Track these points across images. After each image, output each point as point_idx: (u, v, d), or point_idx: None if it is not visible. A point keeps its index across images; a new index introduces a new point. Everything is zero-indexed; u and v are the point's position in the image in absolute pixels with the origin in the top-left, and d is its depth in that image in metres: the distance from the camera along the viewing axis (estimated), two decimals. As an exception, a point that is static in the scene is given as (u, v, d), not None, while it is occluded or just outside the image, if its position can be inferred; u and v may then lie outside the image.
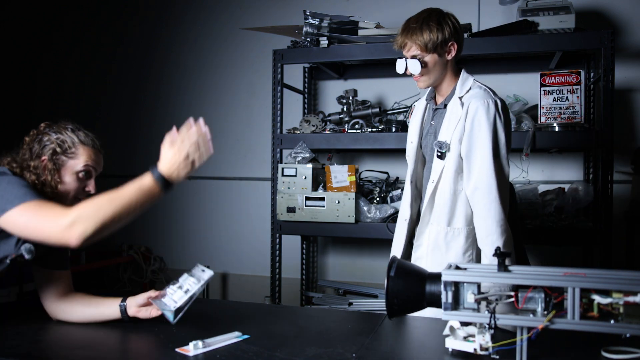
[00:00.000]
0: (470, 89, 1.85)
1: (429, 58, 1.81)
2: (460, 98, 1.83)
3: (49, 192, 1.47)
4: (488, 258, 1.73)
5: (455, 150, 1.80)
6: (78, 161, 1.51)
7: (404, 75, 1.89)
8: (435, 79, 1.87)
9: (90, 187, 1.54)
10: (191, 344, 1.37)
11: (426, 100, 1.99)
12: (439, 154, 1.82)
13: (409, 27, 1.82)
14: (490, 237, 1.74)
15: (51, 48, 4.42)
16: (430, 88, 1.97)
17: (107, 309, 1.59)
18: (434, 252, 1.84)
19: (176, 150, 1.41)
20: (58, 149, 1.49)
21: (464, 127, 1.80)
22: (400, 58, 1.87)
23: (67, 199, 1.51)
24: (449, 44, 1.82)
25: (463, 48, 1.94)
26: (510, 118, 2.06)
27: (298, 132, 3.16)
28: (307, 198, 2.98)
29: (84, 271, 3.71)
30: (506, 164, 1.83)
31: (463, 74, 1.89)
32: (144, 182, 1.39)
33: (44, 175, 1.47)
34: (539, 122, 2.89)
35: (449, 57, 1.85)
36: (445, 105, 1.87)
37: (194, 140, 1.43)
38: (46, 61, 4.43)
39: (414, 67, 1.82)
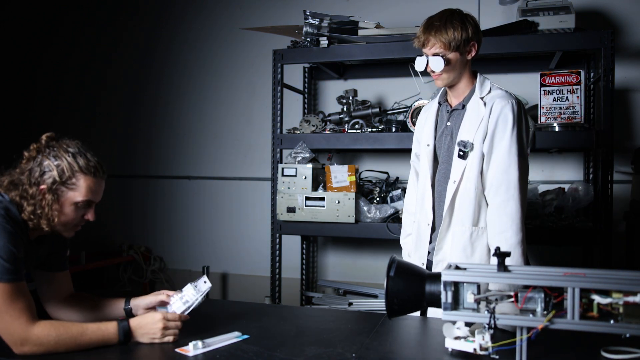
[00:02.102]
0: (490, 90, 1.87)
1: (451, 56, 1.81)
2: (482, 98, 1.84)
3: (45, 226, 1.43)
4: None
5: (478, 149, 1.81)
6: (77, 193, 1.44)
7: (425, 73, 1.90)
8: (454, 78, 1.87)
9: (90, 215, 1.49)
10: (191, 344, 1.38)
11: (439, 102, 1.98)
12: (462, 153, 1.82)
13: (433, 24, 1.82)
14: (504, 234, 1.74)
15: (51, 48, 4.42)
16: (442, 90, 1.98)
17: (110, 312, 1.61)
18: (461, 253, 1.82)
19: (158, 322, 1.45)
20: (57, 179, 1.41)
21: (487, 126, 1.81)
22: (420, 56, 1.86)
23: (66, 229, 1.49)
24: (471, 43, 1.84)
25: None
26: (529, 121, 2.07)
27: (298, 132, 3.16)
28: (307, 198, 2.98)
29: (84, 271, 3.71)
30: (527, 164, 1.85)
31: (480, 76, 1.92)
32: (109, 333, 1.41)
33: (42, 207, 1.41)
34: (539, 122, 2.89)
35: (469, 57, 1.86)
36: (464, 106, 1.88)
37: (175, 327, 1.48)
38: (46, 61, 4.43)
39: (437, 64, 1.81)
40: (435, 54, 1.82)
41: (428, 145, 1.95)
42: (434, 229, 1.91)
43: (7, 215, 1.37)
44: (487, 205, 1.83)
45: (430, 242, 1.92)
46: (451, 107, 1.93)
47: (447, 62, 1.82)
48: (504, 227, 1.75)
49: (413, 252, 2.00)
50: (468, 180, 1.83)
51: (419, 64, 1.86)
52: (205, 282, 1.59)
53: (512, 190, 1.77)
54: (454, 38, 1.79)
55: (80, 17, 4.36)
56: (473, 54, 1.86)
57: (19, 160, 1.47)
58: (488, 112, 1.81)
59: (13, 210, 1.40)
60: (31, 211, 1.41)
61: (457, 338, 1.30)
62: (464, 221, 1.83)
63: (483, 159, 1.82)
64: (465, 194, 1.83)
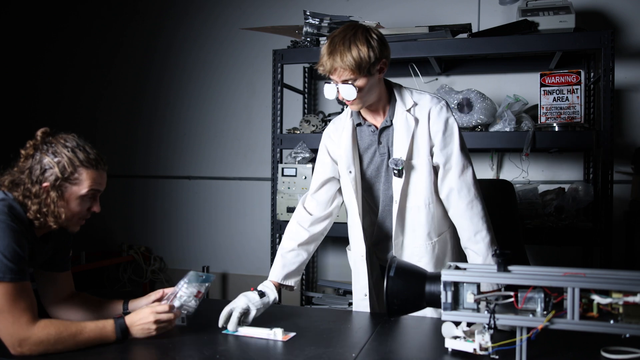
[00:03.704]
0: (413, 100, 1.78)
1: (362, 81, 1.65)
2: (408, 111, 1.76)
3: (53, 223, 1.43)
4: (482, 255, 1.68)
5: (424, 162, 1.74)
6: (81, 187, 1.43)
7: (338, 101, 1.80)
8: (369, 100, 1.73)
9: (95, 207, 1.49)
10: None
11: (356, 124, 1.82)
12: (396, 171, 1.74)
13: (336, 49, 1.63)
14: (480, 234, 1.70)
15: (53, 47, 4.42)
16: (353, 111, 1.83)
17: (109, 313, 1.61)
18: (433, 268, 1.77)
19: (150, 316, 1.46)
20: (60, 175, 1.40)
21: (428, 136, 1.74)
22: (327, 82, 1.69)
23: (72, 223, 1.48)
24: (381, 62, 1.68)
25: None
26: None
27: (298, 132, 3.17)
28: (307, 198, 2.98)
29: (84, 271, 3.72)
30: (471, 160, 1.79)
31: (396, 87, 1.82)
32: (107, 330, 1.41)
33: (47, 205, 1.40)
34: (539, 122, 2.89)
35: (381, 76, 1.72)
36: (392, 122, 1.78)
37: (167, 318, 1.48)
38: (47, 61, 4.43)
39: (349, 93, 1.65)
40: (344, 81, 1.65)
41: (350, 172, 1.80)
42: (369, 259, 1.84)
43: (11, 213, 1.36)
44: (442, 215, 1.78)
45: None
46: (377, 127, 1.80)
47: (359, 89, 1.65)
48: (476, 228, 1.70)
49: (354, 279, 1.91)
50: (416, 197, 1.76)
51: (329, 92, 1.68)
52: (201, 275, 1.60)
53: (472, 190, 1.72)
54: (362, 61, 1.62)
55: (80, 18, 4.36)
56: (384, 71, 1.73)
57: (16, 158, 1.46)
58: (426, 123, 1.74)
59: (17, 209, 1.40)
60: (37, 210, 1.40)
61: (457, 338, 1.30)
62: (426, 236, 1.78)
63: (431, 168, 1.75)
64: (413, 210, 1.77)
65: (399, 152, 1.74)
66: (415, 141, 1.74)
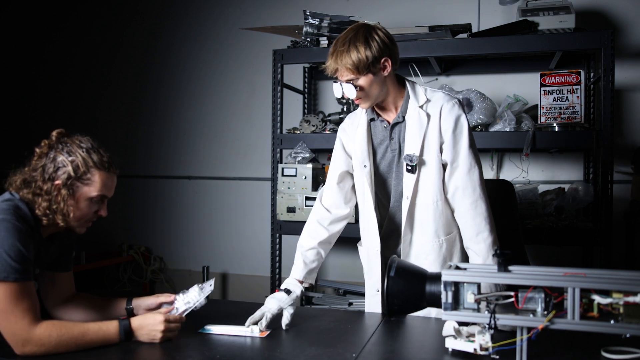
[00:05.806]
0: (426, 97, 1.79)
1: (363, 80, 1.69)
2: (421, 107, 1.77)
3: (61, 221, 1.43)
4: (481, 256, 1.69)
5: (434, 160, 1.75)
6: (92, 188, 1.44)
7: (339, 102, 1.83)
8: (376, 98, 1.76)
9: (103, 211, 1.50)
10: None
11: (370, 119, 1.86)
12: (409, 167, 1.75)
13: (337, 50, 1.70)
14: (481, 235, 1.70)
15: (53, 47, 4.42)
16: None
17: (112, 312, 1.61)
18: (439, 266, 1.77)
19: (160, 324, 1.44)
20: (72, 174, 1.42)
21: (439, 134, 1.75)
22: (335, 82, 1.75)
23: (79, 224, 1.49)
24: (382, 60, 1.70)
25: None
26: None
27: (298, 132, 3.17)
28: (307, 198, 2.98)
29: (84, 271, 3.72)
30: (479, 159, 1.79)
31: (408, 83, 1.83)
32: (110, 332, 1.41)
33: (57, 202, 1.41)
34: (539, 122, 2.89)
35: (385, 74, 1.73)
36: (404, 117, 1.80)
37: (175, 328, 1.48)
38: (47, 62, 4.43)
39: (350, 91, 1.70)
40: (347, 81, 1.70)
41: (365, 166, 1.83)
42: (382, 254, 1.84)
43: (16, 213, 1.37)
44: (453, 210, 1.77)
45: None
46: (389, 122, 1.82)
47: (360, 87, 1.70)
48: (479, 228, 1.71)
49: (366, 274, 1.92)
50: (425, 194, 1.76)
51: (336, 91, 1.75)
52: (210, 285, 1.61)
53: (478, 190, 1.73)
54: (360, 61, 1.66)
55: (81, 18, 4.36)
56: (389, 69, 1.73)
57: (29, 157, 1.47)
58: (437, 119, 1.75)
59: (24, 209, 1.41)
60: (46, 207, 1.41)
61: (457, 338, 1.30)
62: (433, 234, 1.78)
63: (443, 167, 1.75)
64: (422, 207, 1.77)
65: (411, 148, 1.76)
66: (426, 137, 1.76)
